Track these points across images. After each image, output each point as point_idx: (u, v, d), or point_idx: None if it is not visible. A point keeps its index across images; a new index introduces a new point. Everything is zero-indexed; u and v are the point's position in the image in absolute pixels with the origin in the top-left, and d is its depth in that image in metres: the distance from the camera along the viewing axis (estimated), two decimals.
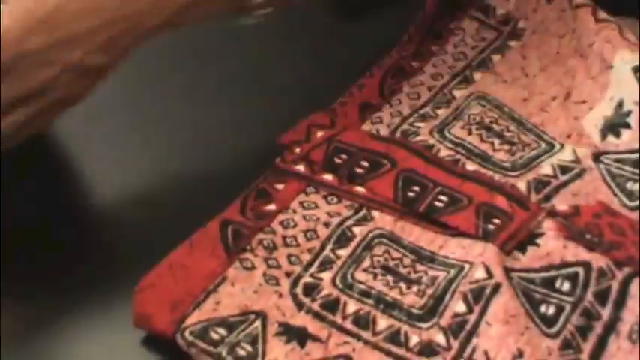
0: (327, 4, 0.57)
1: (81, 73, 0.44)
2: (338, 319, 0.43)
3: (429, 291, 0.44)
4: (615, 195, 0.48)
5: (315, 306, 0.43)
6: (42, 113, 0.45)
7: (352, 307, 0.43)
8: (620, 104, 0.51)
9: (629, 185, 0.48)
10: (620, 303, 0.42)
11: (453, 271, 0.44)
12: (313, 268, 0.45)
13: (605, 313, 0.42)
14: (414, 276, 0.44)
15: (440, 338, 0.42)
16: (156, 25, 0.45)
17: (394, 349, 0.41)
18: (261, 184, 0.49)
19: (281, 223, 0.47)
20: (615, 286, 0.43)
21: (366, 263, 0.45)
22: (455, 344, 0.41)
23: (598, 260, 0.44)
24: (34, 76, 0.43)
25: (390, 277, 0.44)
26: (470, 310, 0.42)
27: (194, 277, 0.43)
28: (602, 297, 0.43)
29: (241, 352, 0.40)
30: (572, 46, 0.54)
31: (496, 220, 0.46)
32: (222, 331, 0.41)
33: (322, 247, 0.46)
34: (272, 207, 0.47)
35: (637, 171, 0.48)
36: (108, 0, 0.44)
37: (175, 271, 0.43)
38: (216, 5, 0.48)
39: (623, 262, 0.44)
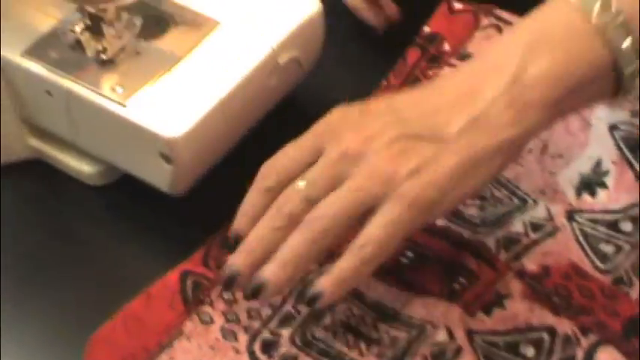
0: None
1: None
2: None
3: (390, 353, 0.43)
4: (587, 256, 0.47)
5: None
6: None
7: None
8: (598, 163, 0.50)
9: (602, 246, 0.47)
10: None
11: (414, 332, 0.43)
12: (273, 324, 0.44)
13: None
14: (374, 335, 0.43)
15: None
16: None
17: None
18: (226, 232, 0.48)
19: None
20: (580, 354, 0.42)
21: (327, 320, 0.44)
22: None
23: (564, 326, 0.43)
24: None
25: (350, 336, 0.43)
26: None
27: (149, 330, 0.42)
28: None
29: None
30: None
31: (462, 279, 0.45)
32: None
33: (283, 302, 0.45)
34: None
35: (611, 232, 0.47)
36: None
37: (129, 324, 0.42)
38: None
39: (590, 329, 0.43)
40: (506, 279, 0.45)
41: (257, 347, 0.43)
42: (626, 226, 0.47)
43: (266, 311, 0.44)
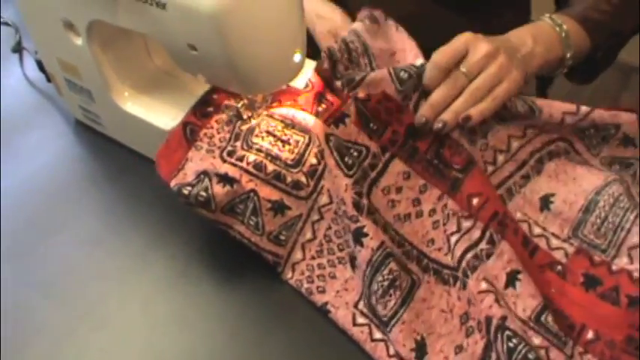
0: None
1: None
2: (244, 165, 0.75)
3: (296, 150, 0.76)
4: (393, 81, 0.77)
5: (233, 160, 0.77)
6: None
7: (252, 158, 0.75)
8: None
9: (402, 74, 0.77)
10: (375, 180, 0.76)
11: (307, 137, 0.76)
12: (231, 142, 0.79)
13: (366, 184, 0.76)
14: (285, 138, 0.77)
15: (303, 179, 0.75)
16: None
17: (278, 184, 0.75)
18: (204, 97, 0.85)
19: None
20: (380, 164, 0.76)
21: (257, 131, 0.77)
22: (312, 183, 0.75)
23: (373, 146, 0.76)
24: None
25: (271, 139, 0.77)
26: (319, 163, 0.76)
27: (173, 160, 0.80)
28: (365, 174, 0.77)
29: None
30: None
31: (323, 105, 0.78)
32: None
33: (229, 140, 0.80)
34: None
35: (409, 65, 0.78)
36: None
37: (161, 159, 0.80)
38: None
39: (387, 145, 0.77)
40: (348, 103, 0.78)
41: (225, 155, 0.77)
42: (419, 61, 0.78)
43: (225, 136, 0.79)
